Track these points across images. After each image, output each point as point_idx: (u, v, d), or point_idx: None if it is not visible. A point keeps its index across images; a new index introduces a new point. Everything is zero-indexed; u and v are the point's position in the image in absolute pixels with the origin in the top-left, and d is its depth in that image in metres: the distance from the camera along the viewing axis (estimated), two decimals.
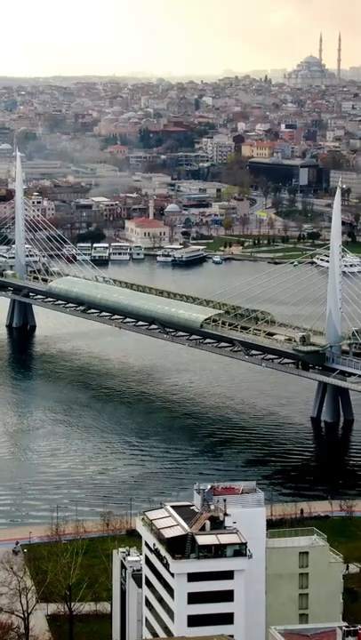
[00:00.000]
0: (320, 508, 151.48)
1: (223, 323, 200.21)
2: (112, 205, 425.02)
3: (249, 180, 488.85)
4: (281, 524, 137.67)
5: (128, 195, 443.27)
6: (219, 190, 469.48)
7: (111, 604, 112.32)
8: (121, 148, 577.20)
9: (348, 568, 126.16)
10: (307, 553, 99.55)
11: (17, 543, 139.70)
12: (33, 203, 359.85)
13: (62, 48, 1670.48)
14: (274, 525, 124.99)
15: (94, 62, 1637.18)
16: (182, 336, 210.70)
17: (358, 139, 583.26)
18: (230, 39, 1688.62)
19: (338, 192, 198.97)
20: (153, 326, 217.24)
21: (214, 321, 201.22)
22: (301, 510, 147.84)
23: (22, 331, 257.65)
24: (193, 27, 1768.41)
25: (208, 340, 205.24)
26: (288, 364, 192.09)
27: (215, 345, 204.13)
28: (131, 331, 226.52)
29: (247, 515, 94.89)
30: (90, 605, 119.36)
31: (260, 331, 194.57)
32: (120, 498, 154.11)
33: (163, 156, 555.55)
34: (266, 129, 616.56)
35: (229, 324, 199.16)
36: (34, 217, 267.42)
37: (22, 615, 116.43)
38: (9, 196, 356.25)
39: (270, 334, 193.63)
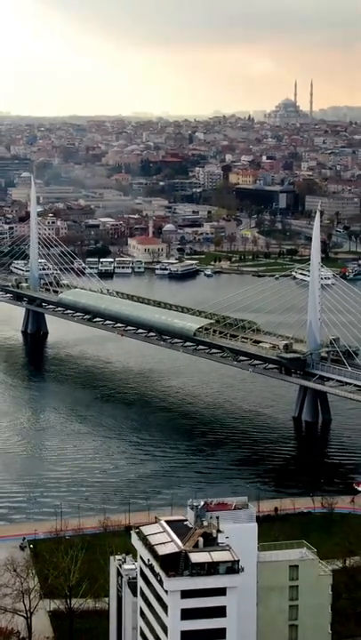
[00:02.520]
0: (302, 504, 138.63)
1: (214, 331, 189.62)
2: (117, 225, 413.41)
3: (235, 203, 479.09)
4: (268, 520, 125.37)
5: (131, 216, 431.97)
6: (209, 212, 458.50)
7: (108, 604, 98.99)
8: (125, 175, 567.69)
9: (345, 563, 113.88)
10: (297, 566, 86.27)
11: (24, 539, 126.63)
12: (48, 223, 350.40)
13: (77, 92, 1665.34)
14: (261, 522, 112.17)
15: (104, 104, 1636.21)
16: (177, 343, 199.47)
17: (328, 168, 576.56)
18: (219, 85, 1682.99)
19: (317, 215, 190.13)
20: (151, 334, 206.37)
21: (206, 329, 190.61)
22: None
23: (36, 336, 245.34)
24: (187, 75, 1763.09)
25: (201, 347, 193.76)
26: (272, 369, 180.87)
27: (207, 351, 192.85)
28: (131, 337, 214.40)
29: (239, 530, 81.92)
30: (90, 602, 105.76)
31: (247, 339, 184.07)
32: (120, 496, 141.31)
33: (161, 183, 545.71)
34: (250, 160, 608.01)
35: (220, 333, 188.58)
36: (48, 235, 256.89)
37: (25, 615, 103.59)
38: (28, 217, 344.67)
39: (256, 342, 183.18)
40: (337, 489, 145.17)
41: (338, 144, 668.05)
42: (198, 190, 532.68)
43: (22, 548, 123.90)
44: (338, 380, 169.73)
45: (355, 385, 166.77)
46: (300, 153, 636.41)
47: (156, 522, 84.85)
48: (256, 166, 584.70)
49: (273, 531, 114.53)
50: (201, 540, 78.71)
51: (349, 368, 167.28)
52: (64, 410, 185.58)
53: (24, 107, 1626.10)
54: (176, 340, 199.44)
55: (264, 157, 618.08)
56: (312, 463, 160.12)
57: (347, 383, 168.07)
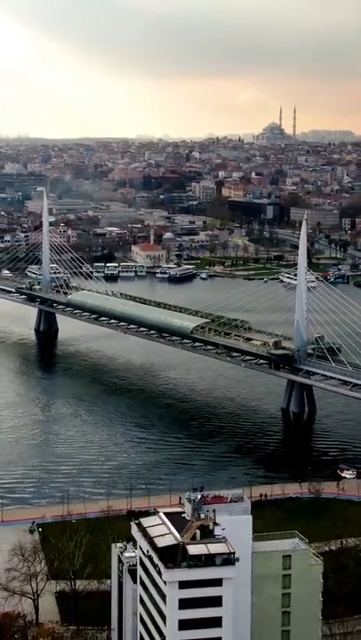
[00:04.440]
0: (291, 490, 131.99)
1: (209, 329, 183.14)
2: (121, 233, 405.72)
3: (228, 214, 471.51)
4: (259, 505, 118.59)
5: (134, 225, 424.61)
6: (204, 222, 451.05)
7: (110, 587, 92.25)
8: (129, 190, 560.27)
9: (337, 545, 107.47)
10: (289, 556, 79.56)
11: (33, 523, 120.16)
12: (60, 231, 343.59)
13: (87, 118, 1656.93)
14: (254, 507, 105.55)
15: (111, 128, 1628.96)
16: (176, 340, 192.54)
17: (310, 184, 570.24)
18: (212, 111, 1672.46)
19: (303, 225, 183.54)
20: (152, 332, 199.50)
21: (202, 328, 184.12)
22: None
23: (47, 334, 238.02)
24: (184, 103, 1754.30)
25: (197, 344, 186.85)
26: (263, 364, 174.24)
27: (203, 348, 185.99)
28: (133, 335, 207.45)
29: (235, 522, 75.27)
30: (94, 584, 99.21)
31: (239, 336, 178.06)
32: (122, 482, 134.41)
33: (161, 196, 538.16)
34: (240, 176, 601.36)
35: (214, 331, 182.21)
36: (60, 242, 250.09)
37: (32, 597, 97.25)
38: (41, 227, 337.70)
39: (248, 339, 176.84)
40: (323, 475, 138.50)
41: (318, 162, 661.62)
42: (194, 203, 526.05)
43: (31, 531, 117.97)
44: (323, 375, 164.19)
45: (338, 379, 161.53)
46: (285, 170, 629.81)
47: (155, 514, 78.19)
48: (246, 182, 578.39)
49: (265, 516, 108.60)
50: (198, 532, 72.30)
51: (333, 363, 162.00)
52: (72, 401, 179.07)
53: (40, 130, 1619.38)
54: (175, 338, 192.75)
55: (253, 174, 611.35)
56: (299, 451, 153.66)
57: (331, 377, 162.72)
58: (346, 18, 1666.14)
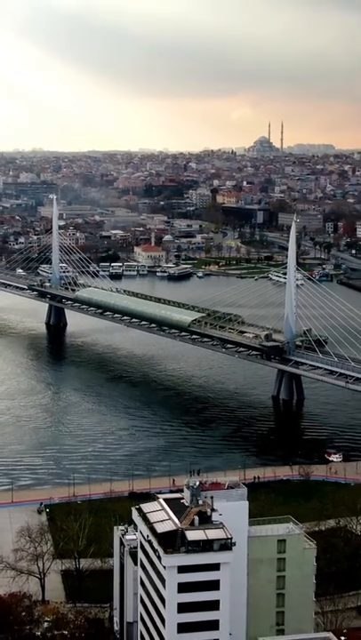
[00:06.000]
0: (282, 472, 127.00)
1: (205, 323, 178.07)
2: (125, 236, 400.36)
3: (222, 219, 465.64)
4: (252, 487, 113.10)
5: (136, 229, 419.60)
6: (201, 226, 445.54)
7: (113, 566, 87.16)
8: (132, 197, 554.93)
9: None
10: (284, 540, 74.42)
11: (41, 504, 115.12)
12: (69, 234, 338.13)
13: (94, 132, 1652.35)
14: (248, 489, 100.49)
15: (116, 141, 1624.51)
16: (174, 333, 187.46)
17: (296, 192, 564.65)
18: (208, 127, 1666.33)
19: (292, 228, 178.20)
20: (152, 325, 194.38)
21: (199, 322, 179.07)
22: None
23: (57, 327, 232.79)
24: (183, 119, 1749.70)
25: (194, 337, 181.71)
26: (255, 355, 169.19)
27: (199, 340, 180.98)
28: (136, 328, 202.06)
29: (232, 508, 70.16)
30: (97, 563, 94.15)
31: (233, 329, 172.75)
32: (124, 465, 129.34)
33: (161, 203, 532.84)
34: (233, 184, 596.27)
35: (210, 324, 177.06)
36: (69, 244, 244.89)
37: (39, 576, 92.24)
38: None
39: (241, 332, 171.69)
40: (312, 458, 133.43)
41: (304, 172, 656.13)
42: (192, 208, 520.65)
43: (39, 512, 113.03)
44: (310, 365, 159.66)
45: (325, 369, 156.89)
46: (274, 179, 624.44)
47: (154, 500, 72.98)
48: (238, 189, 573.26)
49: (258, 498, 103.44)
50: (196, 518, 67.11)
51: (320, 354, 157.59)
52: (80, 389, 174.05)
53: (52, 144, 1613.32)
54: (173, 331, 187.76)
55: (245, 182, 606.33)
56: (289, 436, 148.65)
57: (318, 367, 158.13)
58: (328, 44, 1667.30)
